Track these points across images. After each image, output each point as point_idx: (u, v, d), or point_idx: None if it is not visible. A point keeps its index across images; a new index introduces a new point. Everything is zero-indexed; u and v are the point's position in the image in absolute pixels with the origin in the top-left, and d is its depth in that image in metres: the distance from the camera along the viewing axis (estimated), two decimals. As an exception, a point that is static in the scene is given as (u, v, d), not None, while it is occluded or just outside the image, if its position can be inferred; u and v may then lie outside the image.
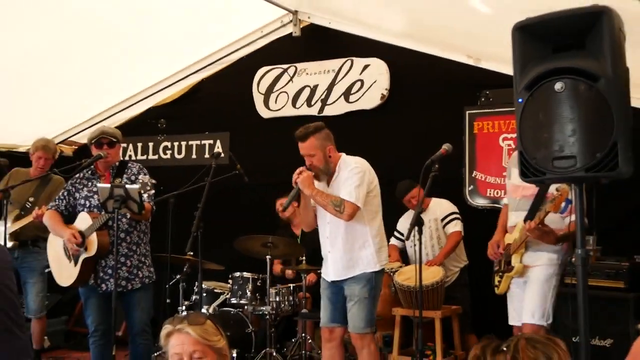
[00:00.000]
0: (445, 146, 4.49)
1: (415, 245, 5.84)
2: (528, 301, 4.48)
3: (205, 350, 2.36)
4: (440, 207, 6.03)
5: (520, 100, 3.24)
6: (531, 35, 3.24)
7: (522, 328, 4.50)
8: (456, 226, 5.92)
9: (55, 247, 5.29)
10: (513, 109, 3.63)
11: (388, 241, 5.64)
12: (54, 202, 5.28)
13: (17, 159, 6.98)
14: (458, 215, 5.98)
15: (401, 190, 5.93)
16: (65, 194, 5.23)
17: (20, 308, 4.24)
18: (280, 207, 5.69)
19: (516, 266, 4.53)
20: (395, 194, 5.91)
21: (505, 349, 1.81)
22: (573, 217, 4.26)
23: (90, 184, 5.18)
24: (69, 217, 5.18)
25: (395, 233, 6.19)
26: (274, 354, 5.87)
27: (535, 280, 4.48)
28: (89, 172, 5.25)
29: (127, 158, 7.83)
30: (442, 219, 5.97)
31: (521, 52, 3.26)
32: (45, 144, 6.35)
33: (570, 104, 3.05)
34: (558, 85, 3.07)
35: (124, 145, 7.94)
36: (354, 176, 4.71)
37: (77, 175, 5.28)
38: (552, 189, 4.32)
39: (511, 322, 4.68)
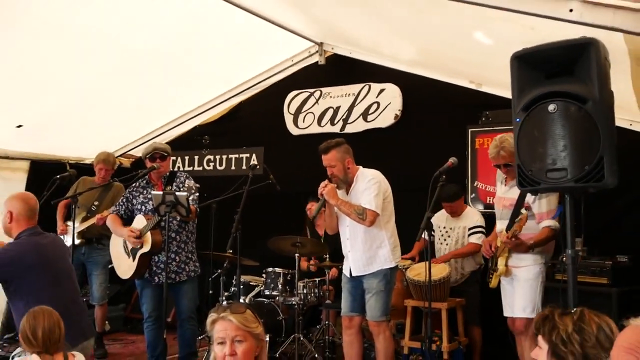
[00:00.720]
0: (452, 159, 4.46)
1: (442, 243, 5.84)
2: (519, 298, 4.44)
3: (245, 335, 2.37)
4: (471, 218, 5.81)
5: (517, 119, 3.24)
6: (527, 63, 3.24)
7: (515, 321, 4.46)
8: (478, 239, 5.63)
9: (116, 246, 5.37)
10: (510, 127, 3.62)
11: (415, 238, 5.54)
12: (115, 207, 5.35)
13: (83, 169, 7.06)
14: (483, 229, 5.70)
15: (447, 196, 5.64)
16: (124, 200, 5.30)
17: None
18: (310, 214, 5.64)
19: (500, 268, 4.52)
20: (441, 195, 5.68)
21: (572, 312, 1.82)
22: (544, 224, 4.32)
23: (145, 191, 5.24)
24: (127, 220, 5.25)
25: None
26: (301, 338, 5.85)
27: (524, 279, 4.44)
28: (144, 182, 5.31)
29: (175, 169, 7.87)
30: (470, 229, 5.77)
31: (518, 77, 3.26)
32: (105, 158, 6.43)
33: (562, 123, 3.04)
34: (551, 107, 3.06)
35: (174, 158, 7.99)
36: (372, 187, 4.70)
37: (133, 185, 5.34)
38: (530, 199, 4.32)
39: (505, 313, 4.63)
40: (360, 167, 4.90)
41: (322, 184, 4.73)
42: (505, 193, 4.62)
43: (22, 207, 3.84)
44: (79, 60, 5.76)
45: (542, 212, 4.33)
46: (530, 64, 3.20)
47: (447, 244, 5.84)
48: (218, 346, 2.38)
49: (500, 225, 4.59)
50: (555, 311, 1.88)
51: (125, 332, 7.60)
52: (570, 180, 3.02)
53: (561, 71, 3.09)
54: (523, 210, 4.26)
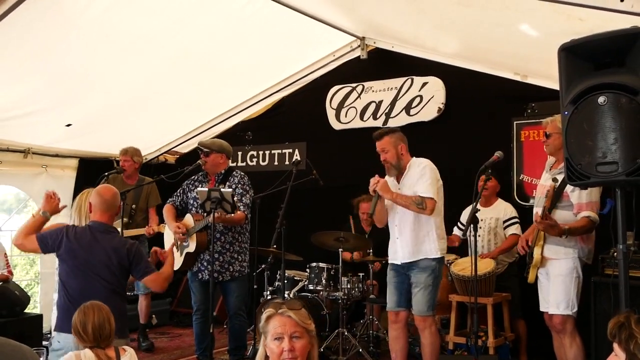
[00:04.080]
0: (497, 153, 4.39)
1: (471, 238, 5.78)
2: (552, 294, 4.36)
3: (302, 332, 2.42)
4: (504, 209, 5.81)
5: (566, 112, 3.18)
6: (575, 55, 3.18)
7: (552, 318, 4.36)
8: (516, 230, 5.67)
9: (169, 237, 5.54)
10: (557, 119, 3.53)
11: (452, 231, 5.55)
12: (172, 197, 5.52)
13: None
14: (518, 220, 5.72)
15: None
16: (181, 192, 5.48)
17: None
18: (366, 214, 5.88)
19: (535, 257, 4.41)
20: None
21: None
22: (583, 214, 4.20)
23: (200, 186, 5.33)
24: (181, 212, 5.42)
25: (459, 224, 6.02)
26: (346, 333, 5.87)
27: (557, 274, 4.34)
28: (201, 176, 5.43)
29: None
30: (505, 221, 5.74)
31: (566, 69, 3.20)
32: (125, 150, 6.53)
33: (612, 115, 2.98)
34: (601, 99, 3.00)
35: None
36: (427, 174, 4.67)
37: (192, 177, 5.47)
38: (569, 188, 4.20)
39: (541, 307, 4.55)
40: (413, 157, 4.87)
41: (373, 181, 4.69)
42: (547, 180, 4.49)
43: (97, 200, 4.00)
44: (125, 60, 5.87)
45: (582, 202, 4.21)
46: (579, 56, 3.14)
47: (478, 235, 5.76)
48: (275, 342, 2.40)
49: (537, 211, 4.47)
50: (632, 318, 1.82)
51: (172, 325, 7.74)
52: (621, 174, 2.96)
53: (611, 62, 3.03)
54: (550, 182, 4.13)
